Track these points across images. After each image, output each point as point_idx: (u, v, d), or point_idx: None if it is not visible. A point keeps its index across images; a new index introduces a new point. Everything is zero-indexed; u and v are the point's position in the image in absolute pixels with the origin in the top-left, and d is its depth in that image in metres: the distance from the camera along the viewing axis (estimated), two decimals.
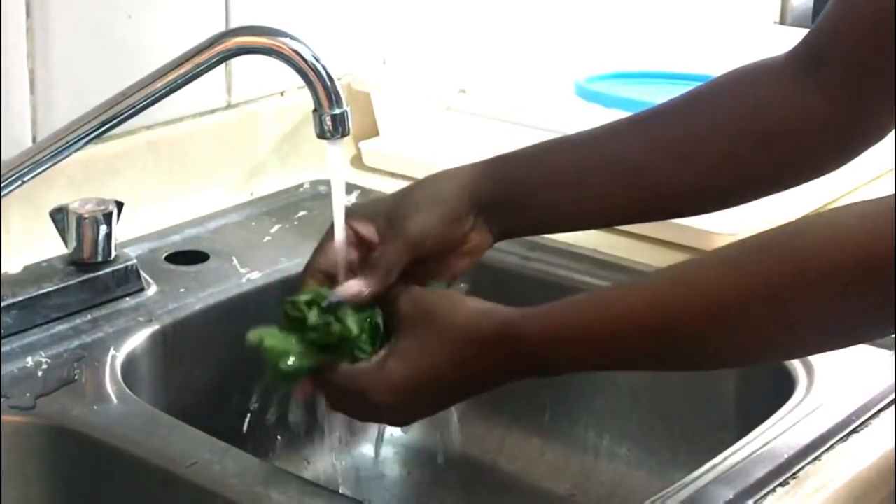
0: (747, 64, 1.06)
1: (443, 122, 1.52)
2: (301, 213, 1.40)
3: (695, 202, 1.06)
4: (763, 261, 0.83)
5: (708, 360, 0.91)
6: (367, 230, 1.01)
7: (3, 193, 1.09)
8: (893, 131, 1.03)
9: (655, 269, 0.97)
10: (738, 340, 0.85)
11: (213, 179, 1.42)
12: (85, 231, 1.18)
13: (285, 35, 1.03)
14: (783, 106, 1.02)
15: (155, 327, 1.16)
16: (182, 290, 1.22)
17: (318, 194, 1.44)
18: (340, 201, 1.01)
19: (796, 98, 1.01)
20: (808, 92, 1.01)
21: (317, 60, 1.02)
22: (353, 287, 0.97)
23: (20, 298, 1.14)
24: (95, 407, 1.03)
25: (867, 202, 0.83)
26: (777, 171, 1.04)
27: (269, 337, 0.96)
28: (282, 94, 1.49)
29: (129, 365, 1.11)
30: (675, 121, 1.05)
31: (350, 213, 1.01)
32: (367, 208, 1.03)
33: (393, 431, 1.34)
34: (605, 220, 1.11)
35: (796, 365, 1.11)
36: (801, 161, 1.03)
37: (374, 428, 1.26)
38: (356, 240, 1.01)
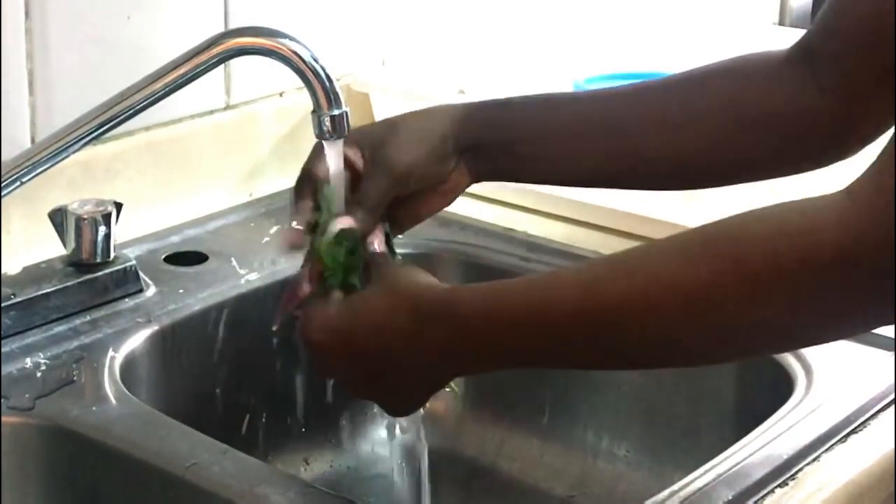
0: (748, 53, 1.07)
1: None
2: None
3: (680, 177, 1.06)
4: (707, 253, 0.81)
5: (649, 356, 0.88)
6: (355, 155, 1.02)
7: (2, 194, 1.09)
8: (894, 130, 1.03)
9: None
10: (680, 335, 0.83)
11: (212, 180, 1.42)
12: (84, 232, 1.18)
13: (284, 36, 1.03)
14: (779, 95, 1.02)
15: (154, 328, 1.16)
16: (181, 290, 1.22)
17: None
18: (340, 202, 1.01)
19: (792, 90, 1.01)
20: (804, 86, 1.01)
21: (316, 61, 1.02)
22: (346, 221, 0.99)
23: (19, 299, 1.14)
24: (94, 408, 1.03)
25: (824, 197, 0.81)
26: (767, 157, 1.04)
27: None
28: (281, 94, 1.49)
29: (128, 366, 1.11)
30: (673, 94, 1.05)
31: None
32: (355, 134, 1.03)
33: (393, 434, 1.34)
34: (586, 179, 1.10)
35: (795, 365, 1.11)
36: (792, 151, 1.04)
37: (373, 428, 1.26)
38: (344, 163, 1.01)
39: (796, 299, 0.79)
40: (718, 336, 0.83)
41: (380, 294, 0.93)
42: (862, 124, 1.02)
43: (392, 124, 1.05)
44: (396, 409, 0.97)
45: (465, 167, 1.05)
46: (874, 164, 0.79)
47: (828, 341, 0.85)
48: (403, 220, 1.06)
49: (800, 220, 0.79)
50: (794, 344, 0.87)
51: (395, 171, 1.01)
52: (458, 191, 1.06)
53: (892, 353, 1.12)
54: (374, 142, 1.02)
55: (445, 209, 1.41)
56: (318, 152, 1.03)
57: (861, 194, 0.78)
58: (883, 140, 1.03)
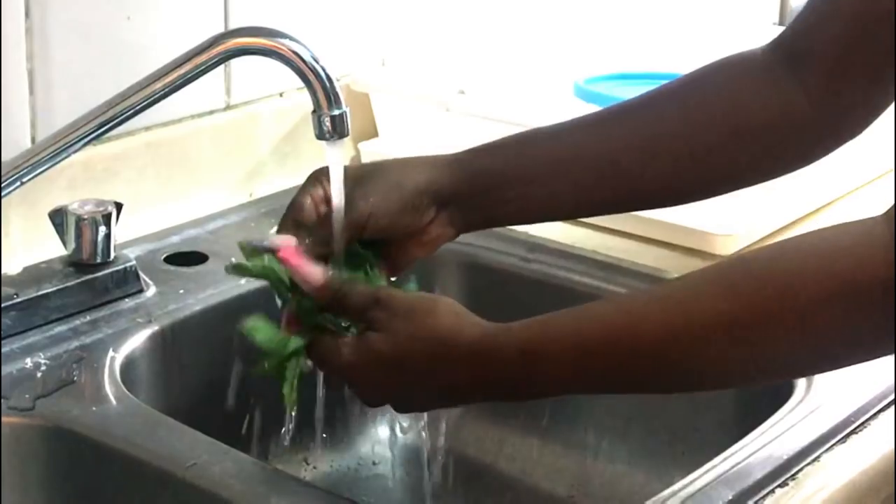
0: (722, 58, 1.06)
1: (442, 123, 1.52)
2: None
3: (669, 194, 1.07)
4: (753, 286, 0.83)
5: (685, 384, 0.91)
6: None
7: (2, 194, 1.09)
8: (893, 133, 1.03)
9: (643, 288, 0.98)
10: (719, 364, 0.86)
11: (212, 180, 1.42)
12: (84, 232, 1.18)
13: (284, 36, 1.03)
14: (758, 100, 1.02)
15: (154, 328, 1.16)
16: (181, 291, 1.22)
17: None
18: (339, 202, 1.01)
19: (773, 92, 1.02)
20: (786, 86, 1.01)
21: (316, 61, 1.02)
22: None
23: (20, 300, 1.14)
24: (94, 408, 1.03)
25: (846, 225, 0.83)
26: (752, 164, 1.04)
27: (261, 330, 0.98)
28: (281, 94, 1.49)
29: (128, 366, 1.11)
30: (649, 114, 1.05)
31: (323, 172, 1.02)
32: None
33: (393, 434, 1.34)
34: (576, 212, 1.12)
35: None
36: (778, 154, 1.04)
37: (374, 428, 1.26)
38: (324, 198, 1.01)
39: (845, 328, 0.81)
40: (767, 365, 0.85)
41: (418, 329, 0.92)
42: (848, 119, 1.02)
43: (371, 169, 1.04)
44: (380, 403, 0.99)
45: (446, 219, 1.04)
46: None
47: (867, 361, 0.87)
48: (391, 265, 1.05)
49: (845, 250, 0.82)
50: (838, 366, 0.88)
51: (356, 215, 1.00)
52: (439, 242, 1.05)
53: (892, 353, 1.12)
54: (350, 182, 1.01)
55: None
56: (310, 184, 1.02)
57: None
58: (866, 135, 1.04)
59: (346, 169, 1.02)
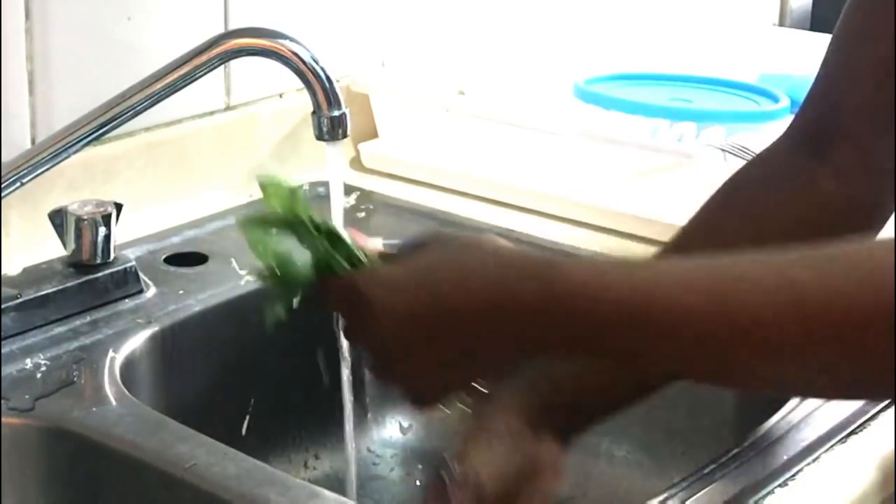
0: (746, 166, 1.02)
1: (442, 124, 1.52)
2: None
3: None
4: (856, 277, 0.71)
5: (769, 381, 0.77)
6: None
7: (2, 195, 1.09)
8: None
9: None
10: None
11: (212, 181, 1.42)
12: (84, 233, 1.18)
13: (284, 37, 1.03)
14: (795, 202, 0.97)
15: (154, 329, 1.16)
16: (181, 291, 1.22)
17: (318, 196, 1.44)
18: (339, 203, 1.01)
19: (808, 188, 0.97)
20: (820, 177, 0.97)
21: (316, 62, 1.02)
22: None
23: (19, 300, 1.14)
24: (94, 409, 1.03)
25: None
26: None
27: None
28: (281, 95, 1.49)
29: (128, 367, 1.11)
30: (700, 240, 0.99)
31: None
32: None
33: (393, 434, 1.34)
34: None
35: None
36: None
37: (374, 428, 1.26)
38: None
39: None
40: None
41: (453, 253, 0.81)
42: (887, 196, 0.97)
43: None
44: (431, 390, 0.85)
45: (549, 432, 0.92)
46: None
47: None
48: None
49: None
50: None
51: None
52: (559, 459, 0.93)
53: None
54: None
55: (444, 209, 1.42)
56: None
57: None
58: None
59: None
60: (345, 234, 0.87)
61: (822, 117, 0.98)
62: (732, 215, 1.00)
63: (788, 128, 1.02)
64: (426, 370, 0.83)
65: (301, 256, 0.86)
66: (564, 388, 0.94)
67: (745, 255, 0.76)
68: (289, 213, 0.85)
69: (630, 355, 0.79)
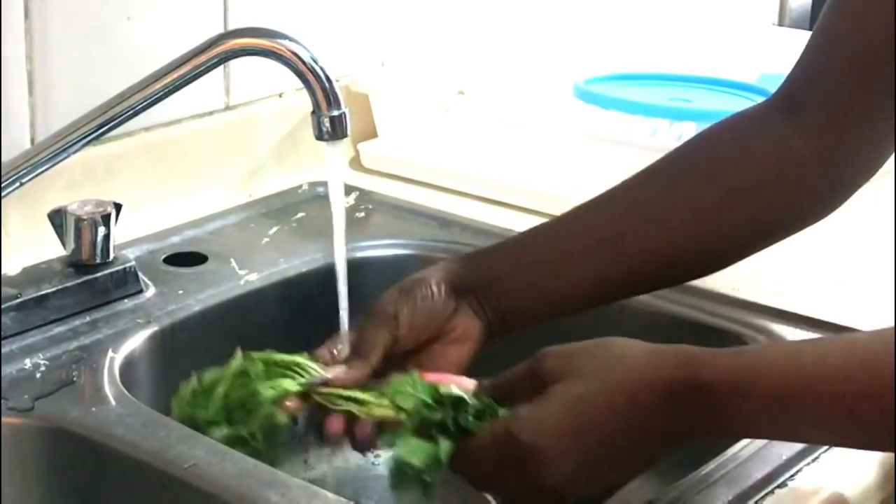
0: (722, 119, 1.06)
1: (441, 124, 1.52)
2: (299, 215, 1.40)
3: (681, 269, 1.04)
4: None
5: None
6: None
7: (2, 195, 1.09)
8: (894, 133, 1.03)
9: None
10: None
11: (211, 181, 1.42)
12: (83, 233, 1.18)
13: (284, 37, 1.03)
14: (760, 158, 1.01)
15: (153, 329, 1.16)
16: (180, 291, 1.22)
17: (317, 196, 1.44)
18: (339, 203, 1.01)
19: (775, 147, 1.01)
20: (788, 138, 1.01)
21: (315, 62, 1.02)
22: (338, 373, 0.96)
23: (19, 300, 1.14)
24: (94, 409, 1.03)
25: None
26: (765, 225, 1.03)
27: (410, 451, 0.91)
28: (280, 95, 1.49)
29: (128, 366, 1.11)
30: (651, 186, 1.04)
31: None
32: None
33: None
34: (591, 296, 1.04)
35: None
36: (788, 211, 1.03)
37: None
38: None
39: None
40: None
41: (596, 387, 0.86)
42: (853, 165, 1.02)
43: (409, 286, 1.01)
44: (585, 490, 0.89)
45: (468, 309, 1.01)
46: None
47: None
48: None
49: None
50: None
51: (386, 316, 0.98)
52: (470, 338, 1.01)
53: None
54: (390, 304, 1.00)
55: (444, 209, 1.42)
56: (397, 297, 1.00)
57: None
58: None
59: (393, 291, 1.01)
60: (462, 393, 0.91)
61: (797, 85, 1.02)
62: (699, 157, 1.04)
63: (774, 93, 1.05)
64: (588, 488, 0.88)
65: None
66: (494, 281, 1.01)
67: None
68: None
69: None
